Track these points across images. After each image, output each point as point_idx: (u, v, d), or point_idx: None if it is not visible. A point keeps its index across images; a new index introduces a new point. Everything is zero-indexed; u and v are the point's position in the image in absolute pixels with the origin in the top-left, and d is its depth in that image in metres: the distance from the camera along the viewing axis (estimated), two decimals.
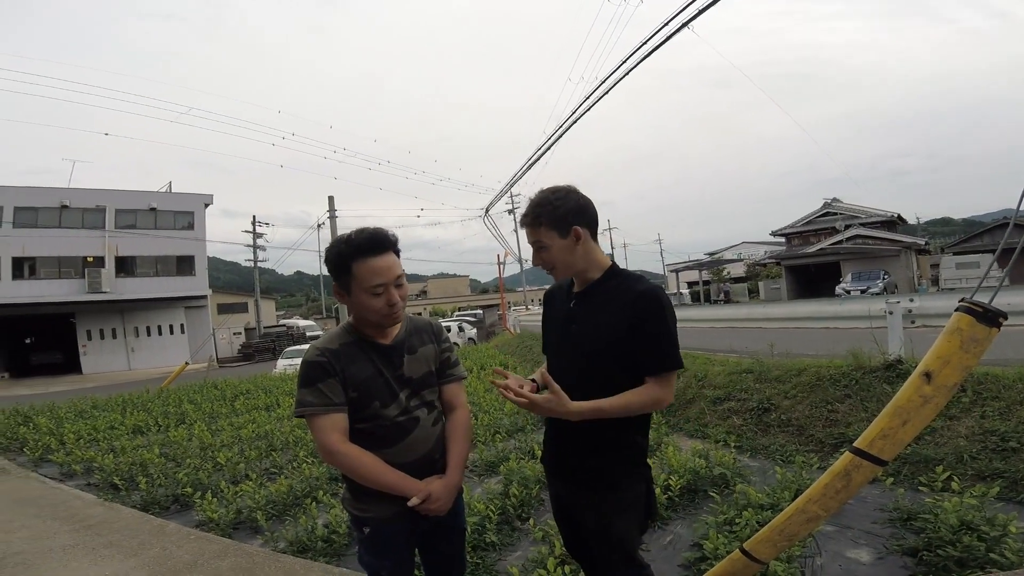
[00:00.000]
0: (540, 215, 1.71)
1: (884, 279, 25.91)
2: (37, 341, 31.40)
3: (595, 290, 1.75)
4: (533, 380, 1.85)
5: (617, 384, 1.64)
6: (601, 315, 1.69)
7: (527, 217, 1.75)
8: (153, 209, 29.76)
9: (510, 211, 39.63)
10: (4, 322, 27.69)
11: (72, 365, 28.57)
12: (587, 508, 1.75)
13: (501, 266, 29.70)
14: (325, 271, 1.76)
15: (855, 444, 1.75)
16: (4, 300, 25.28)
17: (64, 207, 27.24)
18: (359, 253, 1.64)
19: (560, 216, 1.70)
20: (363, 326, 1.74)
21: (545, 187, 1.79)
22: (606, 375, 1.66)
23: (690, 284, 42.86)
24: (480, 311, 42.05)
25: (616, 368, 1.65)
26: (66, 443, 7.02)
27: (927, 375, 1.63)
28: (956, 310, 1.64)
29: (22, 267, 26.27)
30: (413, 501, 1.62)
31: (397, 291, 1.67)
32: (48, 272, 26.84)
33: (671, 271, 49.28)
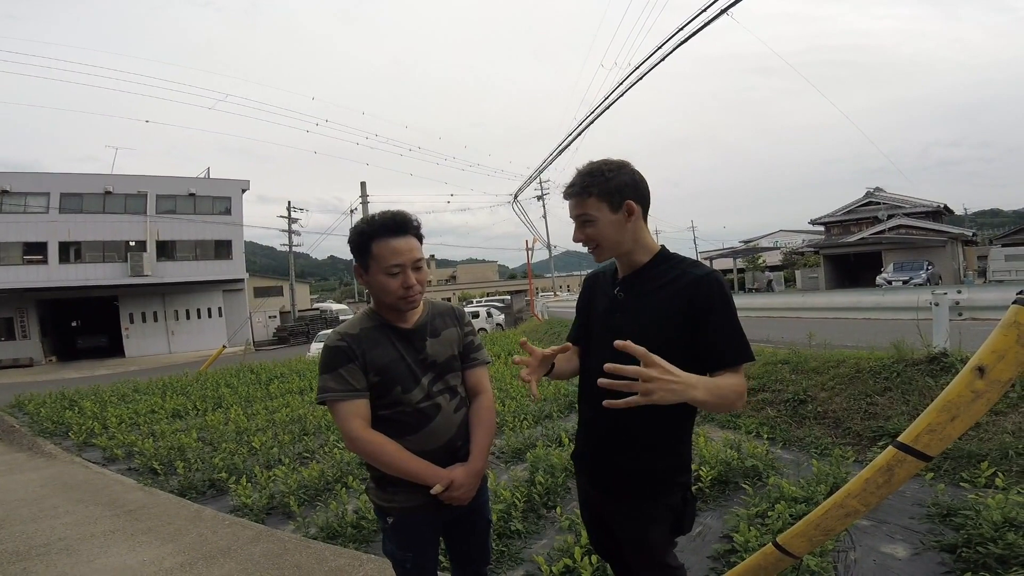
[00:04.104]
0: (590, 184, 1.54)
1: (928, 270, 25.02)
2: (83, 325, 32.40)
3: (643, 275, 1.59)
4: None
5: None
6: (652, 303, 1.53)
7: (574, 187, 1.57)
8: (192, 195, 30.36)
9: (539, 197, 39.46)
10: (52, 305, 28.81)
11: (116, 348, 29.39)
12: (624, 516, 1.64)
13: (529, 252, 29.56)
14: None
15: (899, 439, 1.68)
16: (52, 284, 26.22)
17: (108, 193, 27.96)
18: (380, 233, 1.64)
19: (613, 188, 1.53)
20: (382, 310, 1.74)
21: (595, 159, 1.61)
22: None
23: (724, 272, 42.27)
24: (508, 297, 42.08)
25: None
26: (109, 427, 7.25)
27: (980, 369, 1.54)
28: (1014, 303, 1.54)
29: (68, 252, 27.11)
30: (436, 489, 1.60)
31: (415, 274, 1.66)
32: (93, 256, 27.66)
33: (704, 258, 48.60)
